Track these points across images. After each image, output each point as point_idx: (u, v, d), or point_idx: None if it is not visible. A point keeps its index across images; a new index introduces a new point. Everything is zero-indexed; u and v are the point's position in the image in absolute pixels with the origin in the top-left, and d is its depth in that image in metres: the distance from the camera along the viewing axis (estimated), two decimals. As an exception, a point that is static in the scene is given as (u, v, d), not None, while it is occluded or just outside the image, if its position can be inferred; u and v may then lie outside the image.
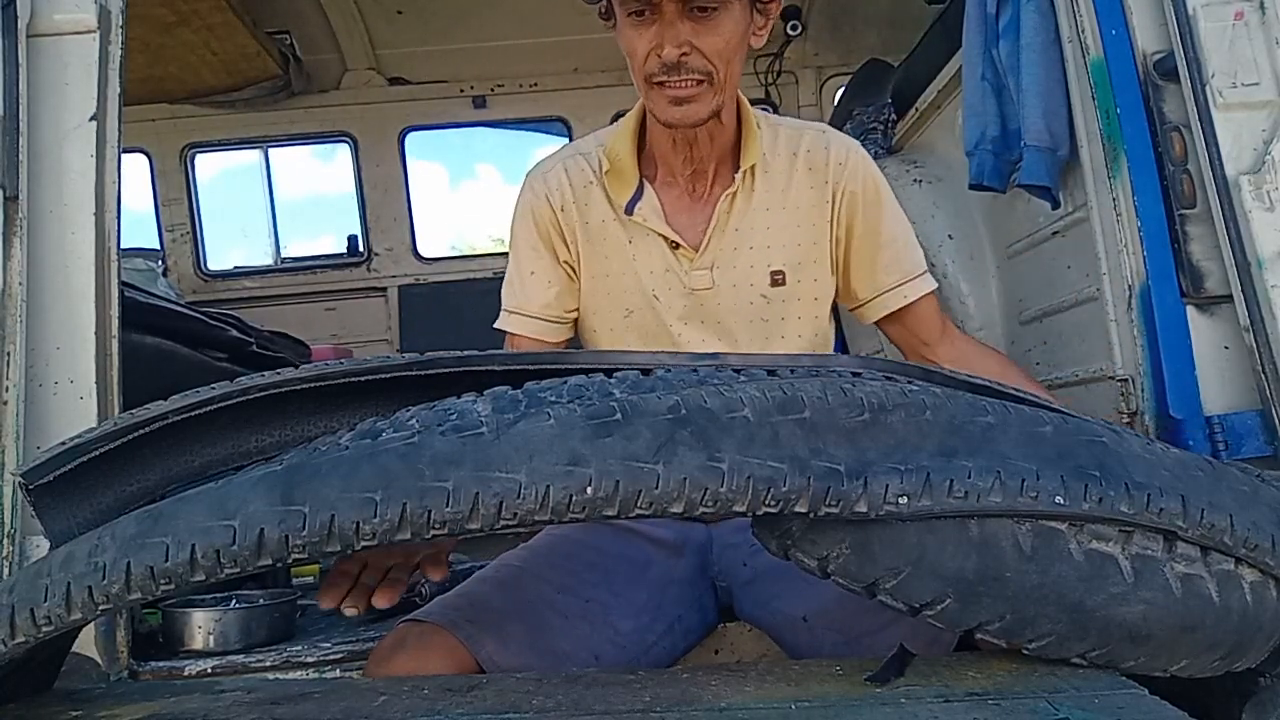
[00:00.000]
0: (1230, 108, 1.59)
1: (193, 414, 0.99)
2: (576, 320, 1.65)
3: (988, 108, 2.10)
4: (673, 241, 1.56)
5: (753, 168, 1.55)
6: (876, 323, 1.67)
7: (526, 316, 1.62)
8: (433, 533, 0.85)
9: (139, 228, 4.32)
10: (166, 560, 0.85)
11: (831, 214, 1.57)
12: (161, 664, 1.69)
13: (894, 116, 3.03)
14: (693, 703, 0.90)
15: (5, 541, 1.52)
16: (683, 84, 1.41)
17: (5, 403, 1.53)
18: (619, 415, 0.88)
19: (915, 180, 2.77)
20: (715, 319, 1.57)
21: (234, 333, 2.85)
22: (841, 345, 1.95)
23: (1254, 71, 1.60)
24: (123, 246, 1.70)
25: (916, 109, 2.82)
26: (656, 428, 0.88)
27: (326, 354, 3.68)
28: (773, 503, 0.88)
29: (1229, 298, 1.58)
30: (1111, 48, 1.69)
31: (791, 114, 4.34)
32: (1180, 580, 0.97)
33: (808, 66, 4.42)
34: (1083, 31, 1.74)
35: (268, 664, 1.71)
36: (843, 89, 3.90)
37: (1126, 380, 1.71)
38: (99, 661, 1.60)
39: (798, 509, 0.89)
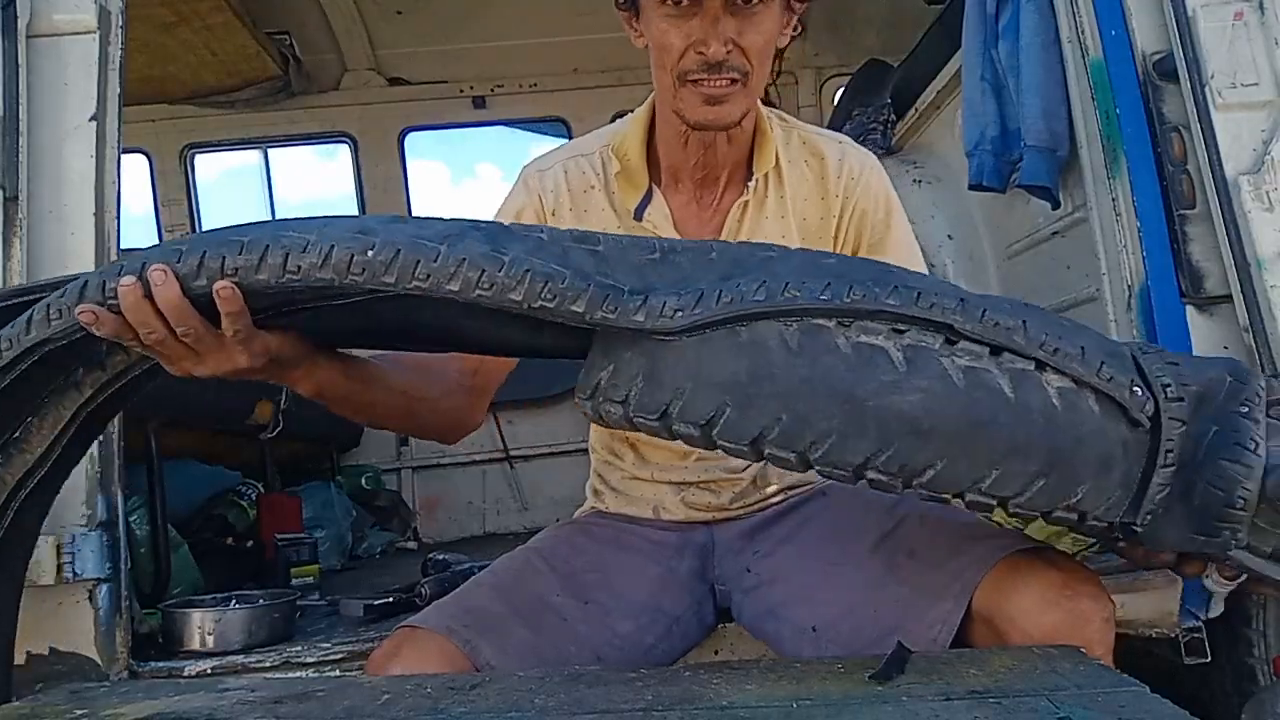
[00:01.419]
0: (1230, 108, 1.59)
1: None
2: None
3: (988, 108, 2.11)
4: None
5: (765, 175, 1.49)
6: None
7: None
8: (226, 278, 0.96)
9: (139, 228, 4.32)
10: None
11: (837, 229, 1.51)
12: (161, 664, 1.69)
13: (893, 117, 3.04)
14: (694, 701, 0.90)
15: (6, 541, 1.53)
16: (720, 82, 1.35)
17: (6, 402, 1.53)
18: (415, 219, 0.99)
19: (915, 180, 2.77)
20: None
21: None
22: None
23: (1253, 72, 1.60)
24: (123, 246, 1.71)
25: (916, 109, 2.83)
26: (451, 226, 0.97)
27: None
28: (549, 296, 0.92)
29: (1229, 298, 1.58)
30: (1111, 48, 1.70)
31: (791, 114, 4.34)
32: (962, 372, 0.94)
33: (807, 66, 4.42)
34: (1082, 32, 1.74)
35: (267, 664, 1.72)
36: (842, 89, 3.90)
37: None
38: (99, 662, 1.60)
39: (574, 307, 0.92)
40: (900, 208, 1.54)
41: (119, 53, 1.72)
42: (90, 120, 1.67)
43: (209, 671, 1.68)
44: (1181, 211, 1.64)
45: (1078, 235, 2.00)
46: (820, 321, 0.95)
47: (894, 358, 0.94)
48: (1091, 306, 1.92)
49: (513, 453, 4.22)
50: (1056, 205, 2.04)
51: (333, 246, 0.93)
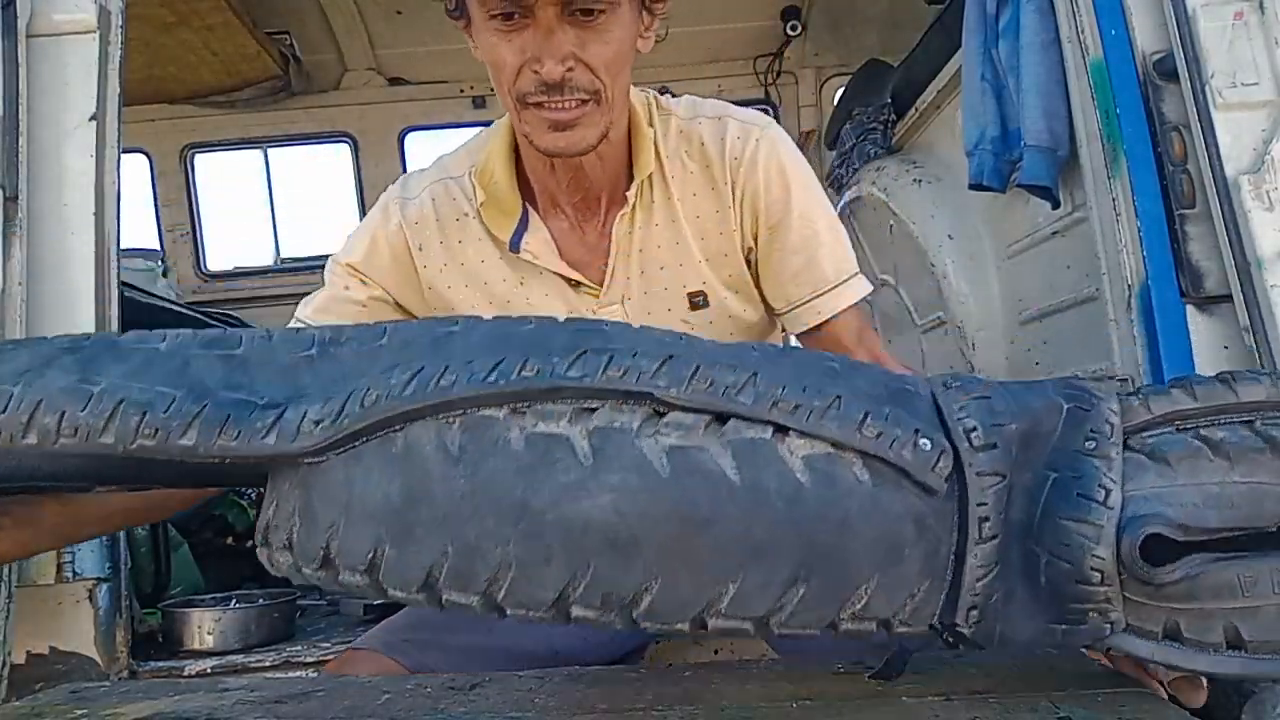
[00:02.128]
0: (1230, 108, 1.59)
1: None
2: None
3: (988, 108, 2.11)
4: (573, 280, 1.35)
5: (649, 177, 1.33)
6: (798, 337, 1.45)
7: None
8: None
9: (139, 228, 4.32)
10: None
11: (736, 217, 1.35)
12: (161, 664, 1.70)
13: (894, 116, 3.04)
14: (695, 701, 0.90)
15: (6, 541, 1.52)
16: (565, 104, 1.18)
17: (6, 402, 1.53)
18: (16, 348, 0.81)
19: (915, 180, 2.77)
20: None
21: (234, 333, 2.84)
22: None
23: (1253, 71, 1.60)
24: (123, 246, 1.71)
25: (916, 109, 2.83)
26: (48, 350, 0.79)
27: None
28: (148, 433, 0.74)
29: (1229, 298, 1.58)
30: (1111, 48, 1.69)
31: (791, 114, 4.35)
32: (667, 456, 0.73)
33: (807, 66, 4.42)
34: (1083, 32, 1.74)
35: (267, 664, 1.72)
36: (842, 89, 3.90)
37: (1126, 380, 1.72)
38: (99, 661, 1.60)
39: (182, 441, 0.75)
40: (804, 178, 1.36)
41: (119, 53, 1.72)
42: (90, 120, 1.67)
43: (209, 671, 1.68)
44: (1181, 211, 1.64)
45: (1078, 235, 2.00)
46: (488, 412, 0.74)
47: (578, 449, 0.73)
48: (1091, 306, 1.92)
49: (513, 452, 4.22)
50: (1056, 205, 2.04)
51: None
